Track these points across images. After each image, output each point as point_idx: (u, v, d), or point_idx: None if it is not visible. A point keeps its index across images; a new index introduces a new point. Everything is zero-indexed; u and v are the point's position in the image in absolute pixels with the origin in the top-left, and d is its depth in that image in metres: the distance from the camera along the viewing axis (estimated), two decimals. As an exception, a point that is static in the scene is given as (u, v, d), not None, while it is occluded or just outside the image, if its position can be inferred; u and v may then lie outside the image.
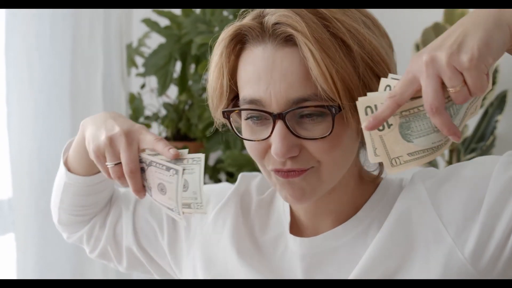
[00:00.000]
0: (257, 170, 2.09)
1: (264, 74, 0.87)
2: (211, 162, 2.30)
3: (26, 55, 1.81)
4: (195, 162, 0.91)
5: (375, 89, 0.85)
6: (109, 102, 2.08)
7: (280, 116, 0.87)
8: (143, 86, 2.33)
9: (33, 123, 1.84)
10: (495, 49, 0.76)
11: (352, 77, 0.86)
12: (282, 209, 1.04)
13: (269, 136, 0.89)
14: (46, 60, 1.86)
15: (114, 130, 0.95)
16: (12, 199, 1.80)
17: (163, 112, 2.31)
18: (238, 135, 0.93)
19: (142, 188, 0.95)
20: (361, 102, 0.80)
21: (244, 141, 0.93)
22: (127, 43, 2.20)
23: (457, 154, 1.98)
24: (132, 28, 2.28)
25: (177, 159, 0.92)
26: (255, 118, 0.90)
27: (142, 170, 0.94)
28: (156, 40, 2.24)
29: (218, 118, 0.96)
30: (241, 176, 1.09)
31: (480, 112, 2.00)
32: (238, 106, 0.92)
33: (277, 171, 0.91)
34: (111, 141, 0.94)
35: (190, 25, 2.11)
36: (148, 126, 2.29)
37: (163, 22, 2.25)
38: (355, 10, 0.91)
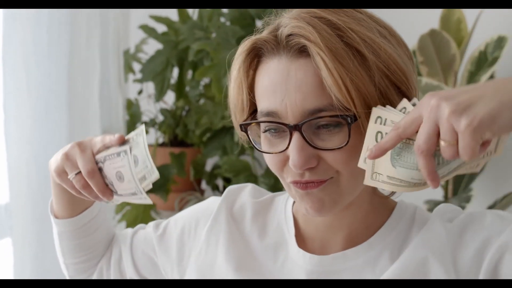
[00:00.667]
0: (253, 175, 2.09)
1: (279, 86, 0.88)
2: (209, 168, 2.31)
3: (23, 61, 1.81)
4: (138, 135, 0.96)
5: (392, 97, 0.86)
6: (107, 108, 2.09)
7: (296, 127, 0.87)
8: (140, 92, 2.33)
9: (31, 129, 1.84)
10: (501, 125, 0.74)
11: (368, 86, 0.85)
12: (283, 217, 1.04)
13: (287, 148, 0.88)
14: (44, 66, 1.86)
15: (68, 147, 1.01)
16: (10, 204, 1.80)
17: (161, 118, 2.31)
18: (256, 149, 0.93)
19: (105, 187, 0.99)
20: (375, 111, 0.81)
21: (264, 154, 0.93)
22: (124, 49, 2.20)
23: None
24: (129, 34, 2.29)
25: (124, 142, 0.98)
26: (272, 131, 0.90)
27: (101, 170, 0.99)
28: (153, 46, 2.25)
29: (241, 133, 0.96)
30: (227, 189, 1.09)
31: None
32: (257, 119, 0.92)
33: (295, 183, 0.90)
34: (67, 156, 1.00)
35: (187, 31, 2.12)
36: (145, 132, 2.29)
37: (161, 28, 2.25)
38: (371, 20, 0.91)
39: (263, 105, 0.90)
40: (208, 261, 1.05)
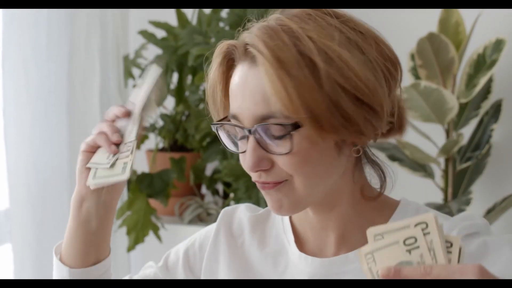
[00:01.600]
0: (254, 180, 2.09)
1: (239, 91, 0.93)
2: (208, 172, 2.31)
3: (23, 65, 1.82)
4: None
5: (345, 105, 0.88)
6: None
7: (249, 131, 0.92)
8: (139, 97, 2.33)
9: (30, 134, 1.84)
10: None
11: (315, 94, 0.88)
12: (281, 226, 1.05)
13: (245, 150, 0.93)
14: (43, 70, 1.87)
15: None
16: (9, 210, 1.80)
17: (160, 123, 2.31)
18: (226, 147, 0.97)
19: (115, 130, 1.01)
20: (370, 232, 0.77)
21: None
22: (124, 55, 2.21)
23: (452, 162, 1.99)
24: (128, 39, 2.29)
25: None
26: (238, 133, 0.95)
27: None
28: (153, 52, 2.25)
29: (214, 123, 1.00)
30: (223, 210, 1.10)
31: (476, 121, 2.01)
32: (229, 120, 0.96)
33: (256, 182, 0.95)
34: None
35: (186, 37, 2.12)
36: (145, 137, 2.29)
37: (160, 33, 2.26)
38: (345, 25, 0.92)
39: (231, 107, 0.95)
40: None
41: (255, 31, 0.92)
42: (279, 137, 0.91)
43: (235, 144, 0.96)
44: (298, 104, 0.88)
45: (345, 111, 0.89)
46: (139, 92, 1.01)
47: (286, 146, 0.91)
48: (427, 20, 2.03)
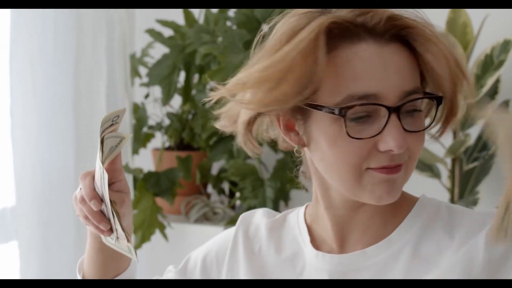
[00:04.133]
0: (260, 179, 2.09)
1: (378, 69, 0.89)
2: (215, 171, 2.31)
3: (30, 66, 1.82)
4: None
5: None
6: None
7: (396, 109, 0.88)
8: (147, 96, 2.34)
9: (37, 133, 1.85)
10: None
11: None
12: (297, 229, 1.04)
13: (381, 131, 0.89)
14: (50, 71, 1.87)
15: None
16: (15, 208, 1.81)
17: (167, 121, 2.32)
18: (349, 135, 0.89)
19: (100, 215, 0.97)
20: None
21: (339, 144, 0.90)
22: (130, 53, 2.21)
23: (459, 163, 1.99)
24: (135, 38, 2.29)
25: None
26: (363, 117, 0.89)
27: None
28: (159, 50, 2.25)
29: (265, 108, 0.91)
30: (241, 216, 1.10)
31: (482, 122, 2.00)
32: (315, 104, 0.90)
33: (383, 168, 0.90)
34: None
35: (193, 35, 2.12)
36: (151, 135, 2.30)
37: (167, 32, 2.26)
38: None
39: (356, 88, 0.88)
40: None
41: (388, 12, 0.91)
42: (414, 115, 0.90)
43: (362, 130, 0.89)
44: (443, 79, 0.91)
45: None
46: (97, 169, 0.97)
47: (420, 124, 0.91)
48: (435, 21, 2.01)
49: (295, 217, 1.05)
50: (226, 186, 2.30)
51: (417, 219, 0.96)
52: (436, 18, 2.00)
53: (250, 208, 2.04)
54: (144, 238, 2.09)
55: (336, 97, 0.89)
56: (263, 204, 2.03)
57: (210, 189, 2.34)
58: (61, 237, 1.91)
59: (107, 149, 0.96)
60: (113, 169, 0.98)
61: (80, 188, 0.98)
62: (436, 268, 0.92)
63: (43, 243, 1.85)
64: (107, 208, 0.96)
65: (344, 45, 0.90)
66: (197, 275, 1.09)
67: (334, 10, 0.91)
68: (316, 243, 1.01)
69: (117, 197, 0.99)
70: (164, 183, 2.16)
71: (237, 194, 2.17)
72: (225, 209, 2.18)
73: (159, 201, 2.17)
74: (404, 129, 0.89)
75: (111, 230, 0.97)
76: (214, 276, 1.08)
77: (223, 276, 1.06)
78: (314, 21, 0.89)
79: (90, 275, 1.07)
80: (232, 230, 1.09)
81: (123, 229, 0.95)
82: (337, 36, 0.90)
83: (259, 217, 1.08)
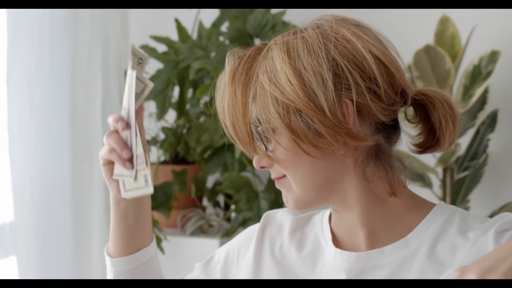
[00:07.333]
0: (254, 191, 2.11)
1: None
2: (210, 184, 2.33)
3: (27, 81, 1.84)
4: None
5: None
6: (109, 127, 2.11)
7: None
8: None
9: (34, 148, 1.87)
10: None
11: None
12: (320, 228, 1.07)
13: None
14: (47, 87, 1.90)
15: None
16: (14, 223, 1.82)
17: (162, 136, 2.34)
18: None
19: (124, 145, 1.02)
20: None
21: None
22: (125, 69, 2.24)
23: (450, 172, 2.02)
24: (130, 54, 2.32)
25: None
26: None
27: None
28: (154, 66, 2.28)
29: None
30: (265, 213, 1.14)
31: (472, 131, 2.03)
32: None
33: None
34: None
35: (187, 51, 2.15)
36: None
37: (161, 48, 2.29)
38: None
39: None
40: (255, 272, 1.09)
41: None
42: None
43: None
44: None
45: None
46: (128, 97, 1.02)
47: (273, 147, 0.99)
48: (424, 32, 2.06)
49: (320, 217, 1.09)
50: (221, 198, 2.32)
51: (433, 221, 1.00)
52: (425, 30, 2.05)
53: (245, 220, 2.07)
54: (141, 251, 2.10)
55: None
56: (257, 216, 2.05)
57: (205, 202, 2.36)
58: (60, 251, 1.93)
59: (135, 88, 1.00)
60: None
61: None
62: (451, 267, 0.96)
63: (41, 258, 1.87)
64: (131, 124, 1.01)
65: None
66: (218, 270, 1.12)
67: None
68: (336, 242, 1.05)
69: None
70: (160, 196, 2.18)
71: (232, 207, 2.19)
72: (221, 221, 2.20)
73: (155, 214, 2.18)
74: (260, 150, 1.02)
75: (131, 164, 1.01)
76: (233, 270, 1.11)
77: (243, 268, 1.09)
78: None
79: (115, 251, 1.11)
80: (256, 226, 1.13)
81: (144, 151, 1.00)
82: None
83: (284, 214, 1.12)
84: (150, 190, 1.00)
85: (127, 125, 1.02)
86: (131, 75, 0.99)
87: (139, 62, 1.02)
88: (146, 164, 1.00)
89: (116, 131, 1.02)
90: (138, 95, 1.01)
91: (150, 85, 1.02)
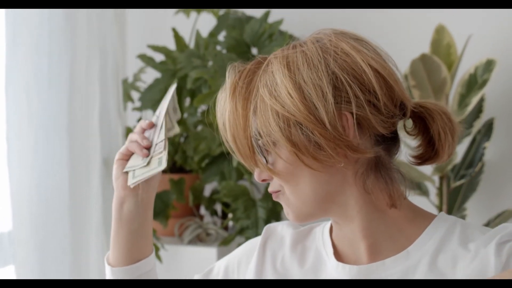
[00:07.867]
0: (252, 200, 2.12)
1: None
2: (207, 193, 2.34)
3: (25, 92, 1.85)
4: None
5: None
6: (107, 136, 2.13)
7: None
8: (139, 120, 2.37)
9: (32, 158, 1.87)
10: None
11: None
12: (321, 242, 1.08)
13: None
14: (45, 97, 1.90)
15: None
16: (12, 232, 1.83)
17: (159, 145, 2.34)
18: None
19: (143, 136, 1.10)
20: None
21: None
22: (123, 79, 2.25)
23: (447, 180, 2.02)
24: (127, 63, 2.33)
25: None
26: None
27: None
28: (151, 75, 2.29)
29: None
30: (266, 226, 1.15)
31: (468, 140, 2.04)
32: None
33: None
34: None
35: (184, 60, 2.16)
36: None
37: (158, 57, 2.30)
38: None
39: None
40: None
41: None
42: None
43: None
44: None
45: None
46: (162, 105, 1.11)
47: (271, 161, 1.00)
48: (420, 41, 2.07)
49: (321, 230, 1.10)
50: (218, 207, 2.33)
51: (435, 232, 1.01)
52: (421, 39, 2.06)
53: (243, 228, 2.07)
54: (138, 260, 2.11)
55: None
56: (255, 225, 2.06)
57: (203, 210, 2.36)
58: (58, 260, 1.93)
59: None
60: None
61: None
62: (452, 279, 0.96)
63: (39, 267, 1.87)
64: (159, 121, 1.09)
65: None
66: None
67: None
68: (338, 255, 1.05)
69: None
70: (157, 205, 2.18)
71: (230, 215, 2.20)
72: (218, 230, 2.21)
73: (153, 223, 2.19)
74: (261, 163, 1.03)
75: (148, 152, 1.07)
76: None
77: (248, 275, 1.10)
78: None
79: (116, 261, 1.11)
80: (257, 240, 1.14)
81: (165, 137, 1.07)
82: None
83: (285, 227, 1.13)
84: (161, 167, 1.04)
85: (152, 125, 1.09)
86: (172, 88, 1.10)
87: (174, 108, 1.12)
88: (164, 148, 1.05)
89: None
90: (171, 107, 1.12)
91: (176, 130, 1.12)
